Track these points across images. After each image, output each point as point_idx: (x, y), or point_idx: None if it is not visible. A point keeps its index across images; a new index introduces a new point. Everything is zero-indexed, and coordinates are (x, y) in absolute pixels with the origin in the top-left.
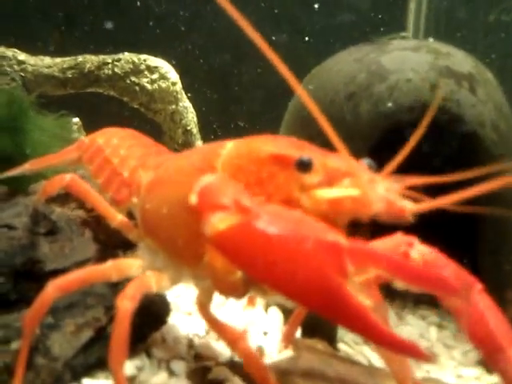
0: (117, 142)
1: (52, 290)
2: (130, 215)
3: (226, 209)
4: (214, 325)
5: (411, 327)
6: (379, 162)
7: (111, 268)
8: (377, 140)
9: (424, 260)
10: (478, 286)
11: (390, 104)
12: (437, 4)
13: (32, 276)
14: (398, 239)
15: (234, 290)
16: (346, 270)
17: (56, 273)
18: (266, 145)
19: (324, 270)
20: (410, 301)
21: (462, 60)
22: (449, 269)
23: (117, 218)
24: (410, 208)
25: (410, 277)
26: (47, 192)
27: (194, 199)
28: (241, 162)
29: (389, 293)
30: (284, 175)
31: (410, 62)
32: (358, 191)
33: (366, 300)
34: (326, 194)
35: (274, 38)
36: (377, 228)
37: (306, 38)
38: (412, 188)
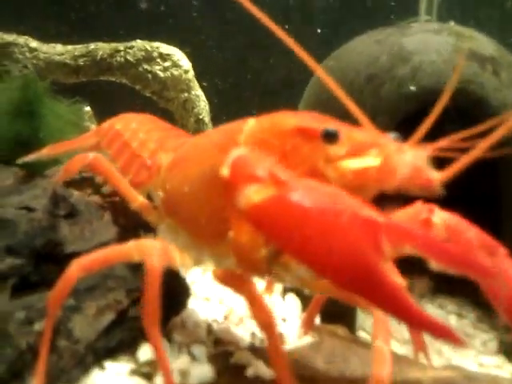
0: (135, 126)
1: (76, 269)
2: (148, 198)
3: (261, 181)
4: (253, 302)
5: None
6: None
7: (133, 248)
8: (399, 122)
9: (446, 225)
10: (502, 250)
11: (413, 86)
12: None
13: (52, 258)
14: (419, 207)
15: (257, 268)
16: (382, 248)
17: (76, 255)
18: (290, 118)
19: (361, 246)
20: (428, 290)
21: (484, 43)
22: (471, 233)
23: (138, 200)
24: (438, 176)
25: (446, 258)
26: (69, 171)
27: (226, 172)
28: (264, 136)
29: (408, 284)
30: (309, 147)
31: (432, 44)
32: (383, 160)
33: (401, 280)
34: (352, 164)
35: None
36: (403, 203)
37: (318, 30)
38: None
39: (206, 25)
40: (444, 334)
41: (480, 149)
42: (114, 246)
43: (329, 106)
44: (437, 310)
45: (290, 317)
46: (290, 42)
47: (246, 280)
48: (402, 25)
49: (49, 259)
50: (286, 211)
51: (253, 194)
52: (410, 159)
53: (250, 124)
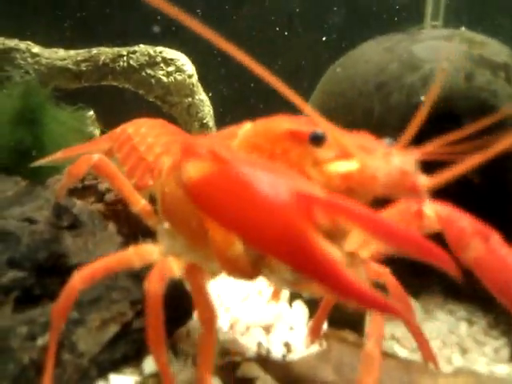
0: (145, 131)
1: (78, 280)
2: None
3: (201, 157)
4: (198, 293)
5: (440, 323)
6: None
7: (133, 254)
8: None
9: (438, 216)
10: (496, 236)
11: (423, 95)
12: None
13: (55, 271)
14: (410, 202)
15: (239, 268)
16: (314, 219)
17: (80, 267)
18: (282, 122)
19: (291, 217)
20: (438, 295)
21: (497, 49)
22: (464, 222)
23: (140, 203)
24: (426, 181)
25: (382, 233)
26: (73, 175)
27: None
28: (257, 140)
29: (414, 287)
30: (298, 150)
31: (443, 51)
32: (370, 163)
33: (336, 252)
34: (338, 167)
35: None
36: None
37: (324, 38)
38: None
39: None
40: (378, 305)
41: (477, 157)
42: (114, 254)
43: (333, 116)
44: (447, 316)
45: (297, 325)
46: (276, 82)
47: (196, 272)
48: (411, 31)
49: (52, 272)
50: (222, 185)
51: (191, 170)
52: (396, 163)
53: (245, 128)
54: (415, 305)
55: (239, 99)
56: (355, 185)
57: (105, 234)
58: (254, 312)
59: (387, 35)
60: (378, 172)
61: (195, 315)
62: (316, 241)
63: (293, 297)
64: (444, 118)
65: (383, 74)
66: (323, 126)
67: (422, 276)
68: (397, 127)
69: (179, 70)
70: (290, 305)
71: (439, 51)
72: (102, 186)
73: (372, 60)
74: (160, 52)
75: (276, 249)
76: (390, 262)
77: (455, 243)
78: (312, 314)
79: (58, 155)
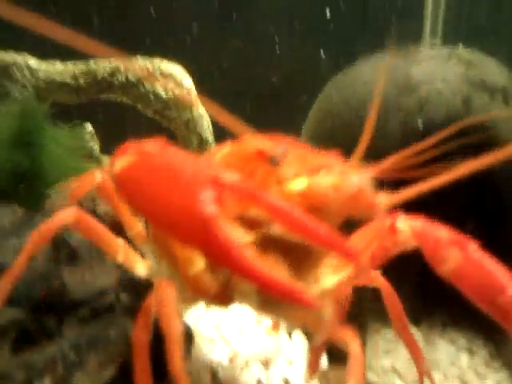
0: None
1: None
2: None
3: (126, 153)
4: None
5: (440, 353)
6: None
7: (122, 247)
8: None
9: (412, 229)
10: (473, 244)
11: (420, 119)
12: (456, 7)
13: (52, 308)
14: (384, 217)
15: (207, 290)
16: (216, 201)
17: (77, 304)
18: (254, 142)
19: (196, 201)
20: (438, 323)
21: (495, 71)
22: (439, 232)
23: (136, 228)
24: (385, 199)
25: (290, 222)
26: (77, 195)
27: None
28: (232, 160)
29: (416, 312)
30: (263, 170)
31: (440, 73)
32: (319, 181)
33: (241, 235)
34: (293, 185)
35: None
36: None
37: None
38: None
39: (209, 43)
40: (275, 286)
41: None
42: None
43: (331, 137)
44: (447, 346)
45: (296, 359)
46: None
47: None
48: (409, 50)
49: (49, 309)
50: (140, 174)
51: (117, 164)
52: (351, 181)
53: (225, 148)
54: (416, 333)
55: (238, 114)
56: (312, 202)
57: (102, 265)
58: (253, 344)
59: (384, 53)
60: (328, 189)
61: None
62: (220, 224)
63: (291, 328)
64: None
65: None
66: (283, 145)
67: (425, 300)
68: (394, 150)
69: (178, 84)
70: (290, 337)
71: (436, 73)
72: (101, 210)
73: (369, 81)
74: (158, 66)
75: (181, 231)
76: (394, 285)
77: (432, 256)
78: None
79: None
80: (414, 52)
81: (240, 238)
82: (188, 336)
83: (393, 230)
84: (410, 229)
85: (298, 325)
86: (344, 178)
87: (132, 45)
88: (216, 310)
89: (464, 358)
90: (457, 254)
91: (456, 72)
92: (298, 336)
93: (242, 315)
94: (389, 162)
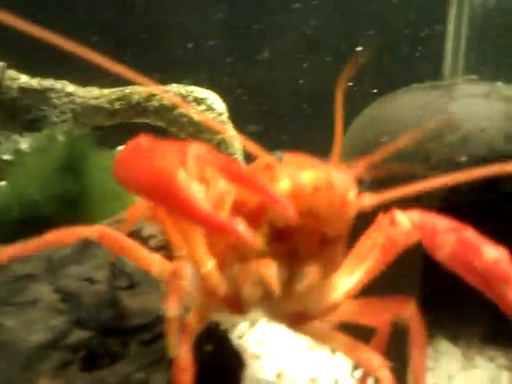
0: None
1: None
2: None
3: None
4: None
5: (480, 370)
6: (453, 213)
7: (157, 260)
8: (449, 191)
9: (412, 222)
10: (470, 230)
11: (464, 155)
12: (479, 34)
13: (117, 332)
14: (380, 216)
15: (217, 292)
16: (184, 163)
17: (140, 328)
18: (266, 159)
19: (167, 164)
20: (476, 340)
21: None
22: (435, 221)
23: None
24: (368, 199)
25: (232, 175)
26: (132, 221)
27: None
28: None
29: (453, 329)
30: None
31: (482, 110)
32: (300, 181)
33: (199, 188)
34: (282, 185)
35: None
36: None
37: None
38: None
39: (239, 70)
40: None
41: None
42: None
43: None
44: (486, 363)
45: (340, 376)
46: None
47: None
48: (447, 85)
49: (114, 333)
50: (128, 157)
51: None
52: (332, 181)
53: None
54: (454, 350)
55: (267, 135)
56: (301, 201)
57: (159, 292)
58: (298, 362)
59: (421, 88)
60: (309, 185)
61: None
62: (184, 180)
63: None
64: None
65: (422, 132)
66: (280, 154)
67: (460, 318)
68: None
69: (210, 108)
70: (333, 354)
71: (477, 110)
72: (146, 232)
73: (409, 116)
74: (191, 91)
75: (154, 191)
76: (427, 302)
77: (430, 244)
78: (355, 366)
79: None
80: (452, 88)
81: (196, 188)
82: (238, 361)
83: (393, 222)
84: (408, 221)
85: (307, 335)
86: (325, 175)
87: (168, 73)
88: (259, 327)
89: (504, 377)
90: (451, 237)
91: (497, 109)
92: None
93: (285, 332)
94: (367, 162)
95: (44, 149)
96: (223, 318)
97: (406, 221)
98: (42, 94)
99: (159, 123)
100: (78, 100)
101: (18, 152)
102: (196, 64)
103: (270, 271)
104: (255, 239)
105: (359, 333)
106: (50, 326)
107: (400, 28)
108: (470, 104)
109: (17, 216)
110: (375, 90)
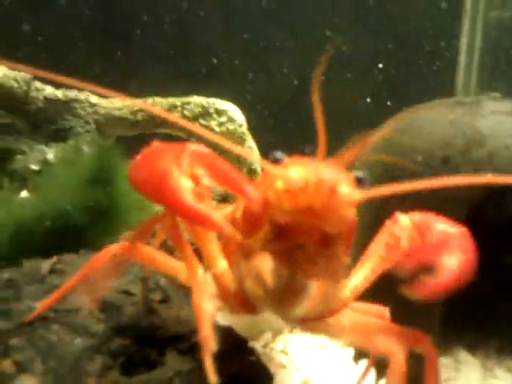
0: None
1: None
2: None
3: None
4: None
5: (499, 381)
6: (477, 229)
7: (184, 269)
8: (475, 206)
9: (412, 221)
10: (465, 231)
11: (489, 171)
12: (492, 40)
13: (154, 342)
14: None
15: (228, 292)
16: (180, 162)
17: (176, 338)
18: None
19: (164, 162)
20: (492, 350)
21: None
22: (435, 220)
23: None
24: (357, 194)
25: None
26: (147, 230)
27: None
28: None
29: (469, 341)
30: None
31: (506, 127)
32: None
33: (186, 182)
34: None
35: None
36: None
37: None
38: None
39: (259, 81)
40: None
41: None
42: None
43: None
44: (505, 374)
45: None
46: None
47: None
48: (471, 102)
49: (151, 342)
50: (142, 161)
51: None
52: (320, 175)
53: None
54: (473, 361)
55: (284, 146)
56: (298, 199)
57: (191, 307)
58: (323, 371)
59: (447, 105)
60: (300, 180)
61: None
62: (175, 175)
63: (359, 355)
64: (508, 194)
65: (449, 149)
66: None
67: (476, 329)
68: (464, 201)
69: (231, 119)
70: (356, 363)
71: (503, 127)
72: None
73: (436, 132)
74: (213, 103)
75: (153, 190)
76: (442, 315)
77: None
78: (380, 373)
79: None
80: (477, 105)
81: (187, 185)
82: (266, 375)
83: (394, 219)
84: (409, 221)
85: (317, 333)
86: (318, 171)
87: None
88: (284, 336)
89: None
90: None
91: None
92: (365, 363)
93: (309, 341)
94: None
95: (71, 159)
96: (248, 329)
97: (406, 219)
98: (66, 105)
99: (180, 134)
100: (102, 111)
101: (44, 162)
102: (219, 77)
103: (265, 264)
104: (236, 232)
105: None
106: (92, 332)
107: (414, 42)
108: (494, 121)
109: (50, 226)
110: (389, 103)
